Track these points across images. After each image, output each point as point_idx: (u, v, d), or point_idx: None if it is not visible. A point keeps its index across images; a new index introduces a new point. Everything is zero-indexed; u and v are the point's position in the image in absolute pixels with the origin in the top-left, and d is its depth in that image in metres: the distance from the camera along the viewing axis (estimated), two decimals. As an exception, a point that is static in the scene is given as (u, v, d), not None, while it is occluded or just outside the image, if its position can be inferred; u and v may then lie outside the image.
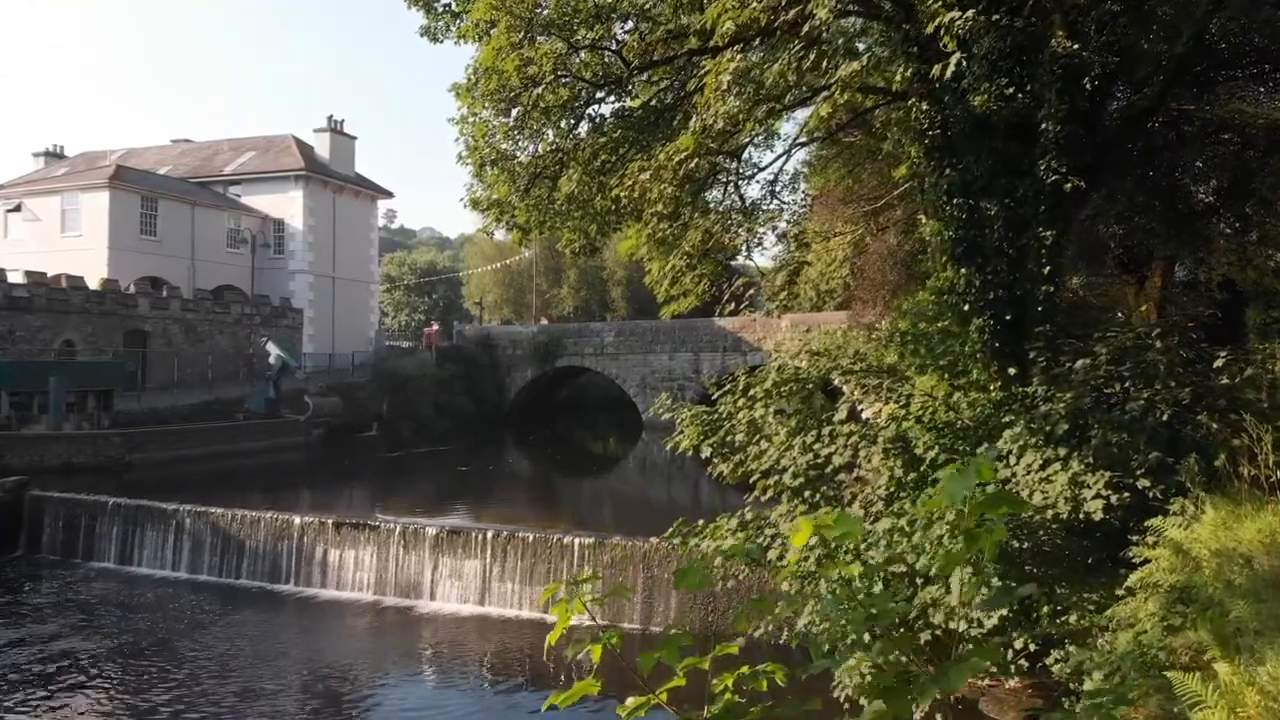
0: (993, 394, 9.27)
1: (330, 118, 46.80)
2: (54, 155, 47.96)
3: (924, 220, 23.19)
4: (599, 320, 58.76)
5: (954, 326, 9.47)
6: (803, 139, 17.25)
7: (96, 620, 15.07)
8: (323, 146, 46.49)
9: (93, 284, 33.35)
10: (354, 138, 48.36)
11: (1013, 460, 8.66)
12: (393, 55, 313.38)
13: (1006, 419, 8.88)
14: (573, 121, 10.20)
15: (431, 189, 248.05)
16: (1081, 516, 7.90)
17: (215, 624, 15.05)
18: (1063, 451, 8.28)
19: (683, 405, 10.50)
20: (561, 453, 38.98)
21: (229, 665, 12.87)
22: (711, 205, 10.82)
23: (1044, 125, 9.05)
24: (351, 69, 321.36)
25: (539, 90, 8.85)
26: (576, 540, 14.90)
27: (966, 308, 8.98)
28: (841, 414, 8.96)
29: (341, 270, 45.85)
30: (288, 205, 43.89)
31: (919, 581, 8.33)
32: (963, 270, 8.98)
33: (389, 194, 50.82)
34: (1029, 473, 8.42)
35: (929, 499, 1.86)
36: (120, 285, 34.50)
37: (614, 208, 11.31)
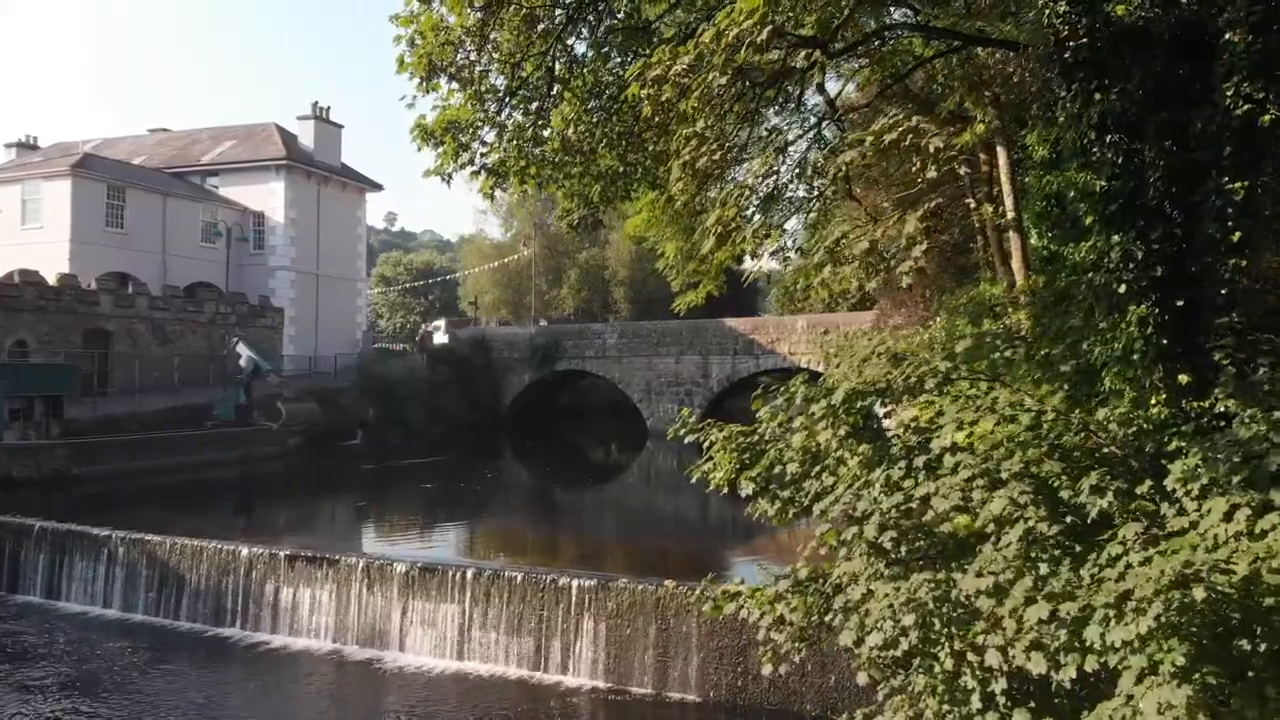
0: (1152, 411, 6.64)
1: (315, 104, 44.14)
2: (27, 146, 45.45)
3: (974, 205, 20.60)
4: (600, 321, 56.19)
5: (1093, 319, 6.87)
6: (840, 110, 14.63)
7: (9, 669, 12.67)
8: (307, 135, 43.83)
9: (54, 279, 30.74)
10: (340, 126, 45.68)
11: (1189, 505, 6.07)
12: (393, 55, 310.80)
13: (1173, 445, 6.28)
14: (564, 25, 7.48)
15: (433, 191, 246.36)
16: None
17: (145, 675, 12.82)
18: (1278, 497, 5.65)
19: (711, 424, 7.89)
20: (560, 462, 36.45)
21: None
22: (770, 136, 8.15)
23: (1227, 36, 6.44)
24: (352, 69, 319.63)
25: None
26: (575, 582, 12.28)
27: (1123, 289, 6.36)
28: (945, 439, 6.35)
29: (326, 267, 43.20)
30: (268, 197, 41.25)
31: (1076, 687, 5.71)
32: (1115, 237, 6.38)
33: (378, 186, 48.17)
34: (1222, 523, 5.84)
35: None
36: (81, 281, 31.87)
37: (621, 169, 8.75)
